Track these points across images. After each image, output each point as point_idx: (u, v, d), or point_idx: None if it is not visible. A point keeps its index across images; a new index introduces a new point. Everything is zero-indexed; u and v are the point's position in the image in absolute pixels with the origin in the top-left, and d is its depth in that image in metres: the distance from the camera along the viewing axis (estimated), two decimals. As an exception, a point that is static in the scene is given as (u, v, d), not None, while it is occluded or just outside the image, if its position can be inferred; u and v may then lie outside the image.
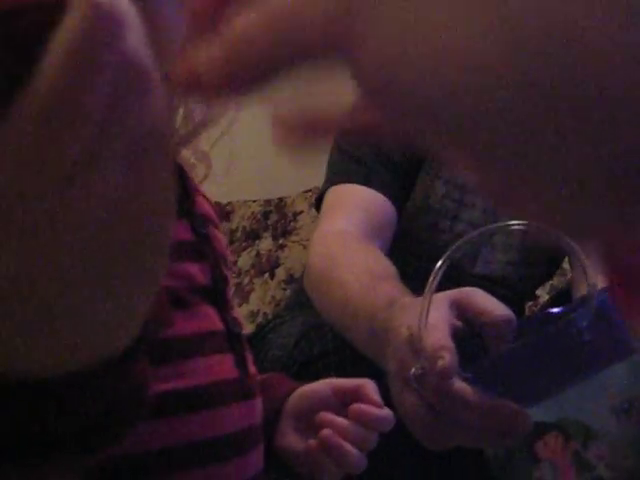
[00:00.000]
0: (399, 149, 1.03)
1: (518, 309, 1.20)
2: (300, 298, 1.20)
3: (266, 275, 3.10)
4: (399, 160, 1.04)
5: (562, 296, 1.13)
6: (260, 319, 2.93)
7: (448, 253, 0.51)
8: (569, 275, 1.71)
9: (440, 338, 0.51)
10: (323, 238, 0.92)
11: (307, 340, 0.88)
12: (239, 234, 3.37)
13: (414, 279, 0.64)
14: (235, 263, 3.37)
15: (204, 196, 0.70)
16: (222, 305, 0.64)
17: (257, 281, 3.14)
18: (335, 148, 1.09)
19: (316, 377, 0.83)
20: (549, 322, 0.55)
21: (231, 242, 3.45)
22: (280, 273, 3.04)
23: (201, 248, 0.63)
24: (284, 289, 2.90)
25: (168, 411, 0.53)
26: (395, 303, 0.63)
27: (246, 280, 3.21)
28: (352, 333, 0.74)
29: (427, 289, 0.51)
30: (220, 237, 0.70)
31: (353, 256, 0.82)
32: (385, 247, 0.96)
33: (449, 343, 0.51)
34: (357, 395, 0.64)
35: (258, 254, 3.21)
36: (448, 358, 0.49)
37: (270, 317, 1.15)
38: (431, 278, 0.51)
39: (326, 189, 1.04)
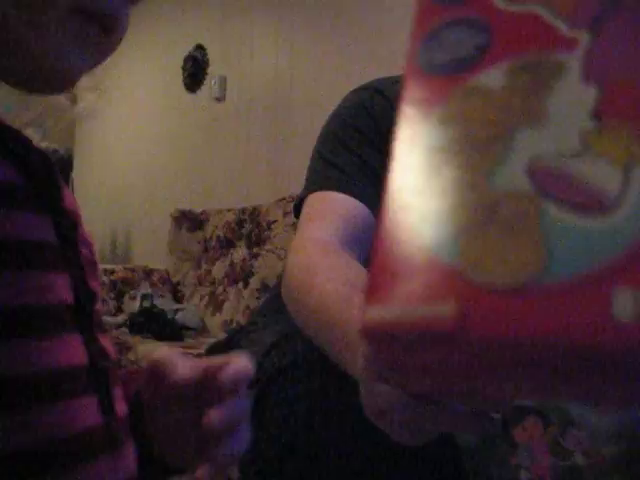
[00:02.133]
0: None
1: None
2: (274, 305, 1.18)
3: (240, 284, 3.08)
4: (380, 170, 1.03)
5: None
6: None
7: None
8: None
9: None
10: (302, 246, 0.91)
11: (277, 350, 0.86)
12: (213, 243, 3.35)
13: None
14: (209, 272, 3.35)
15: (68, 191, 0.55)
16: (87, 330, 0.49)
17: (231, 290, 3.12)
18: (315, 155, 1.08)
19: (285, 388, 0.82)
20: None
21: (205, 251, 3.43)
22: (254, 282, 3.01)
23: (66, 254, 0.48)
24: (258, 298, 2.88)
25: (16, 475, 0.42)
26: None
27: (220, 289, 3.18)
28: (327, 343, 0.72)
29: None
30: (89, 241, 0.54)
31: (332, 265, 0.81)
32: (363, 255, 0.95)
33: None
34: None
35: (232, 263, 3.19)
36: None
37: (243, 324, 1.13)
38: None
39: (305, 195, 1.02)
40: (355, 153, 1.03)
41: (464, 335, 0.23)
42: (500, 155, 0.25)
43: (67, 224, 0.50)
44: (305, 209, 1.00)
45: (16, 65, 0.47)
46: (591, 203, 0.24)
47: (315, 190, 1.01)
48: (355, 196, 0.98)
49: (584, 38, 0.26)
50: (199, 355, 2.05)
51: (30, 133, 0.53)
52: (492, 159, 0.25)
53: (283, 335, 0.88)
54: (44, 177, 0.48)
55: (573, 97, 0.25)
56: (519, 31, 0.27)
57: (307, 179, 1.06)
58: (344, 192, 0.99)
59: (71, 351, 0.46)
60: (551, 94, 0.26)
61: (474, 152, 0.26)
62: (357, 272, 0.79)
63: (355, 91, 1.12)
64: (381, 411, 0.51)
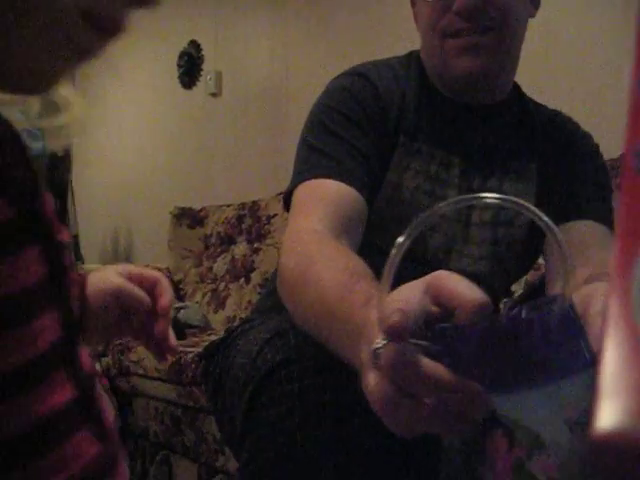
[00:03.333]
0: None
1: (493, 305, 1.18)
2: (269, 302, 1.17)
3: (242, 280, 3.07)
4: (369, 153, 1.01)
5: (536, 292, 1.11)
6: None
7: (412, 225, 0.47)
8: (543, 270, 1.70)
9: (398, 301, 0.47)
10: (296, 236, 0.89)
11: (270, 347, 0.84)
12: (214, 239, 3.34)
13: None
14: (210, 269, 3.34)
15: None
16: (73, 366, 0.47)
17: (233, 286, 3.11)
18: (302, 143, 1.06)
19: (279, 386, 0.81)
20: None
21: (206, 247, 3.41)
22: (255, 277, 3.00)
23: (55, 288, 0.45)
24: (260, 293, 2.87)
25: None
26: (372, 300, 0.59)
27: (222, 286, 3.17)
28: (327, 334, 0.70)
29: (389, 261, 0.48)
30: (70, 258, 0.50)
31: (329, 254, 0.79)
32: (356, 241, 0.93)
33: (406, 306, 0.47)
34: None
35: (233, 259, 3.17)
36: (398, 316, 0.45)
37: (241, 322, 1.11)
38: (394, 250, 0.48)
39: (295, 186, 1.00)
40: (342, 138, 1.01)
41: None
42: None
43: (55, 248, 0.47)
44: (295, 199, 0.98)
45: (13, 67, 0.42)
46: None
47: (304, 179, 0.99)
48: (345, 182, 0.96)
49: None
50: (199, 354, 2.04)
51: (25, 135, 0.51)
52: None
53: (276, 331, 0.87)
54: (30, 194, 0.45)
55: None
56: None
57: (295, 169, 1.04)
58: (334, 179, 0.97)
59: (61, 391, 0.45)
60: None
61: None
62: (355, 260, 0.77)
63: (338, 77, 1.10)
64: (371, 396, 0.49)
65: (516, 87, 1.14)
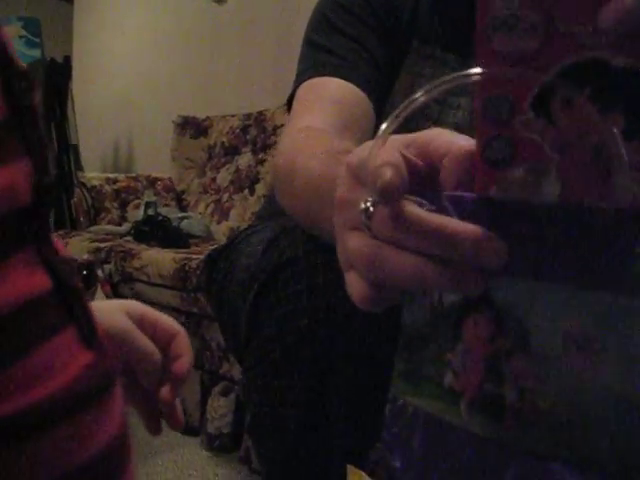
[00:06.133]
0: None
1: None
2: (272, 207, 1.13)
3: (246, 191, 3.03)
4: (377, 53, 0.95)
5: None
6: (240, 236, 2.87)
7: (404, 105, 0.39)
8: None
9: (385, 156, 0.40)
10: (288, 136, 0.84)
11: (276, 246, 0.80)
12: (217, 150, 3.28)
13: None
14: (214, 180, 3.29)
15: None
16: (45, 246, 0.35)
17: (237, 197, 3.07)
18: (306, 42, 0.98)
19: (286, 285, 0.77)
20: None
21: (209, 158, 3.36)
22: (260, 189, 2.96)
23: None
24: (264, 205, 2.84)
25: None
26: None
27: (225, 197, 3.13)
28: (315, 216, 0.65)
29: (379, 132, 0.40)
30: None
31: (314, 145, 0.73)
32: (360, 142, 0.88)
33: (394, 159, 0.40)
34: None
35: (237, 170, 3.12)
36: (389, 173, 0.38)
37: (244, 229, 1.07)
38: (385, 124, 0.40)
39: (297, 86, 0.93)
40: (348, 35, 0.95)
41: None
42: None
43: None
44: (296, 100, 0.92)
45: None
46: None
47: (306, 78, 0.93)
48: (350, 80, 0.90)
49: None
50: (201, 262, 2.02)
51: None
52: None
53: (281, 230, 0.83)
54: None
55: None
56: None
57: (297, 69, 0.98)
58: (337, 76, 0.90)
59: (28, 276, 0.32)
60: None
61: None
62: (342, 145, 0.72)
63: None
64: (350, 263, 0.42)
65: None
